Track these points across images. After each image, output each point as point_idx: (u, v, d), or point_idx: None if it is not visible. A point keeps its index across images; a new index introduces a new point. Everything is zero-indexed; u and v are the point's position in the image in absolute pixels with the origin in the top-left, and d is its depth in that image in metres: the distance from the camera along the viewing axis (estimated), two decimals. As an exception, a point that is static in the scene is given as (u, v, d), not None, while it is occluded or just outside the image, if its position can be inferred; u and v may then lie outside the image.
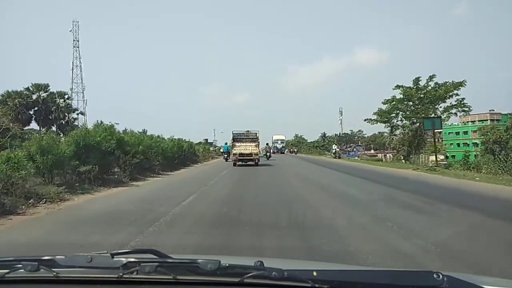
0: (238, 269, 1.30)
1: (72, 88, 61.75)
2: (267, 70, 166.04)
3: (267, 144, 37.48)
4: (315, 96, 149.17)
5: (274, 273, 1.23)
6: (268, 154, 34.08)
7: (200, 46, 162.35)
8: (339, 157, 37.92)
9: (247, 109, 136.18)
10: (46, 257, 1.39)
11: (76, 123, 46.35)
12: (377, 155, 60.42)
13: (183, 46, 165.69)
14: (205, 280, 1.29)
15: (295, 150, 56.17)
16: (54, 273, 1.33)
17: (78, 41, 62.39)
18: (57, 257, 1.39)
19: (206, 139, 78.14)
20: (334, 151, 40.30)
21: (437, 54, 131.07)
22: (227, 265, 1.29)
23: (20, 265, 1.36)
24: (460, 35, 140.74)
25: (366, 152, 66.66)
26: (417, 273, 1.48)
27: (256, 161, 23.73)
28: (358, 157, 50.54)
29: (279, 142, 60.69)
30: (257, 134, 25.13)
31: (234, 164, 23.60)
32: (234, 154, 23.97)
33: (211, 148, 54.96)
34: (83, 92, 62.30)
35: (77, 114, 49.39)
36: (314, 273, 1.27)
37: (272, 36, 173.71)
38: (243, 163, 23.59)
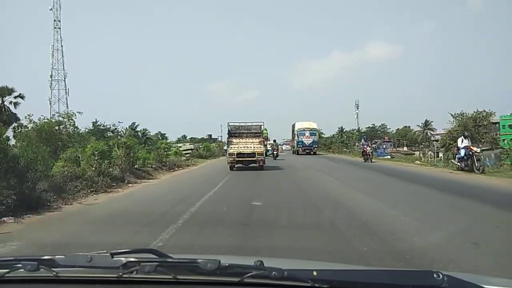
0: (238, 268, 1.33)
1: (52, 75, 56.54)
2: (276, 66, 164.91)
3: (274, 140, 33.97)
4: (327, 91, 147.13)
5: (274, 272, 1.26)
6: (275, 153, 30.03)
7: (206, 41, 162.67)
8: (482, 171, 15.29)
9: (256, 105, 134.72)
10: (46, 257, 1.44)
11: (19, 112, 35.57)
12: (414, 153, 47.24)
13: (188, 42, 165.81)
14: (205, 279, 1.33)
15: (370, 151, 25.59)
16: (54, 273, 1.38)
17: (59, 21, 56.85)
18: (57, 256, 1.44)
19: (210, 135, 73.72)
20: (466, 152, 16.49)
21: (455, 48, 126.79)
22: (227, 264, 1.32)
23: (20, 265, 1.40)
24: (476, 28, 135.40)
25: (399, 149, 58.97)
26: (417, 273, 1.46)
27: (261, 163, 18.69)
28: (392, 156, 38.32)
29: (307, 133, 38.98)
30: (262, 127, 19.74)
31: (231, 168, 18.62)
32: (231, 155, 18.59)
33: (185, 147, 39.48)
34: (64, 80, 57.02)
35: (16, 97, 38.16)
36: (314, 273, 1.29)
37: (279, 31, 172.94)
38: (244, 165, 18.82)
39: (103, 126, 38.32)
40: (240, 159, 18.47)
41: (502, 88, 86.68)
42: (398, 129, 79.48)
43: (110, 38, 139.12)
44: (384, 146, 54.02)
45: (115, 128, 36.88)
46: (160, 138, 61.38)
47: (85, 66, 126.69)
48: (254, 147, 18.49)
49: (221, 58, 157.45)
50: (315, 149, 38.84)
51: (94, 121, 39.14)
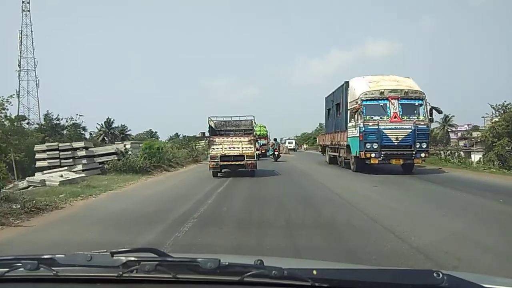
0: (238, 267, 1.35)
1: (20, 64, 52.10)
2: (275, 63, 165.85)
3: (275, 139, 31.83)
4: (327, 88, 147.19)
5: (274, 271, 1.28)
6: (276, 153, 27.63)
7: (204, 40, 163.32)
8: None
9: (255, 103, 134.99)
10: (46, 256, 1.46)
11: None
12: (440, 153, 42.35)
13: (187, 41, 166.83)
14: (205, 279, 1.35)
15: None
16: (54, 272, 1.40)
17: (28, 2, 52.31)
18: (57, 255, 1.46)
19: (203, 133, 70.72)
20: None
21: (456, 45, 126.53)
22: (227, 263, 1.34)
23: (20, 264, 1.42)
24: (477, 25, 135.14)
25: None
26: (417, 272, 1.48)
27: (251, 167, 15.78)
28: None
29: (396, 107, 14.74)
30: (252, 123, 17.12)
31: (215, 174, 15.95)
32: (213, 158, 15.53)
33: (95, 152, 18.81)
34: (35, 70, 52.45)
35: None
36: (314, 272, 1.30)
37: (279, 28, 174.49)
38: (231, 170, 16.22)
39: (57, 119, 31.68)
40: (225, 162, 15.66)
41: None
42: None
43: (107, 37, 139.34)
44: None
45: (73, 123, 30.37)
46: (150, 136, 54.40)
47: (83, 64, 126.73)
48: (242, 148, 15.56)
49: (220, 57, 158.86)
50: (424, 154, 15.25)
51: (46, 113, 33.29)
